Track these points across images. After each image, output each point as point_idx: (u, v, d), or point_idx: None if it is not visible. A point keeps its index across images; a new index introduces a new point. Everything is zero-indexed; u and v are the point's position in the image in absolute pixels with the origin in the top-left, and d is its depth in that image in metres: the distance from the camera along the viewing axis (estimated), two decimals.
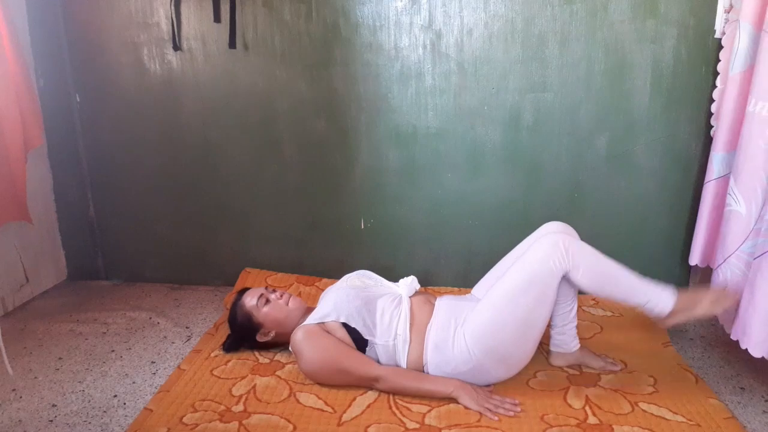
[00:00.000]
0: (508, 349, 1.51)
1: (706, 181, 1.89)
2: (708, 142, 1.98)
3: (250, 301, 1.70)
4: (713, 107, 1.92)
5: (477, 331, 1.49)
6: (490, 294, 1.53)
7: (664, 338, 1.85)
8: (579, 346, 1.67)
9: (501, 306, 1.49)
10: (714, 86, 1.92)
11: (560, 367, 1.67)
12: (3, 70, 1.92)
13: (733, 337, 1.55)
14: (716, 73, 1.91)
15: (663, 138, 2.03)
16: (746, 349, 1.50)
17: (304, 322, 1.63)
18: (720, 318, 1.72)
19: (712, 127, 1.93)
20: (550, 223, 1.69)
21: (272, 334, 1.70)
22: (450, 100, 2.08)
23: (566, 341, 1.65)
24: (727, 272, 1.68)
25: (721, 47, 1.88)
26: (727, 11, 1.85)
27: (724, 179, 1.81)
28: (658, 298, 1.49)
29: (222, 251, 2.35)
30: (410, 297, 1.66)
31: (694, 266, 2.13)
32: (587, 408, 1.48)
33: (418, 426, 1.41)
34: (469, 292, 1.81)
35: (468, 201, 2.17)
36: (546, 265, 1.45)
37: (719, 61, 1.88)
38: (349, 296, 1.64)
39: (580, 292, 1.61)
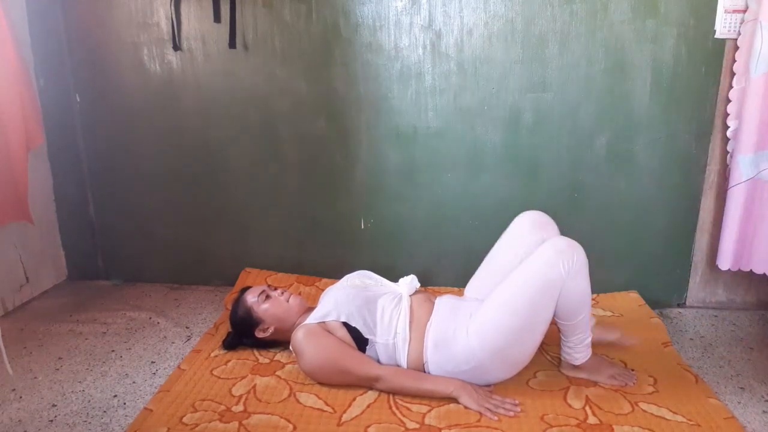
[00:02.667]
0: (512, 350, 1.51)
1: (732, 184, 1.88)
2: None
3: (251, 297, 1.72)
4: (729, 108, 1.92)
5: (484, 331, 1.49)
6: (498, 294, 1.51)
7: (664, 338, 1.85)
8: (591, 354, 1.65)
9: (509, 308, 1.48)
10: (730, 86, 1.91)
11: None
12: (4, 70, 1.92)
13: None
14: (732, 74, 1.90)
15: (663, 138, 2.02)
16: (746, 350, 1.50)
17: (305, 322, 1.63)
18: None
19: (729, 127, 1.93)
20: (528, 212, 1.70)
21: (271, 330, 1.71)
22: (450, 100, 2.08)
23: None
24: None
25: (736, 48, 1.88)
26: (743, 11, 1.85)
27: (755, 181, 1.81)
28: (584, 349, 1.57)
29: (222, 251, 2.35)
30: (410, 295, 1.66)
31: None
32: (587, 408, 1.48)
33: (418, 426, 1.41)
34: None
35: (468, 201, 2.17)
36: (555, 270, 1.44)
37: (735, 61, 1.88)
38: (350, 296, 1.64)
39: None
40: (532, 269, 1.48)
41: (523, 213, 1.71)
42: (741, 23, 1.86)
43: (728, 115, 1.93)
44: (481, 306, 1.54)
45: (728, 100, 1.92)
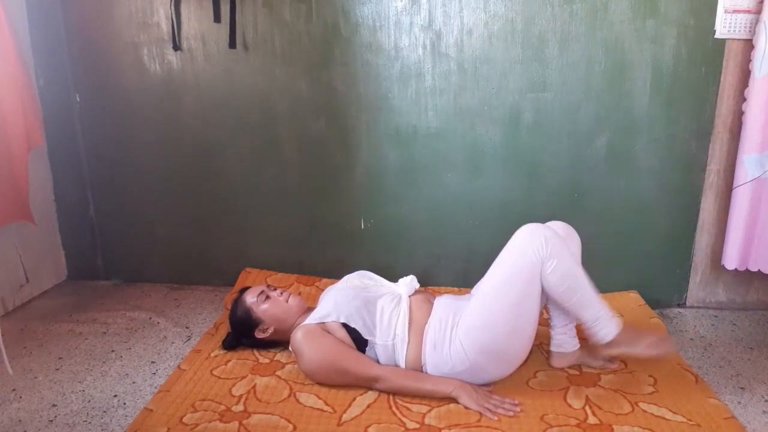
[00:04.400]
0: (501, 345, 1.51)
1: (738, 183, 1.88)
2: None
3: (250, 297, 1.72)
4: (744, 106, 1.92)
5: (470, 330, 1.50)
6: (479, 291, 1.54)
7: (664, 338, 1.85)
8: (578, 345, 1.67)
9: (489, 302, 1.49)
10: (745, 85, 1.91)
11: (561, 368, 1.67)
12: (5, 71, 1.92)
13: None
14: (747, 72, 1.91)
15: (663, 138, 2.02)
16: (746, 350, 1.50)
17: (305, 322, 1.63)
18: None
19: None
20: (553, 222, 1.68)
21: (270, 330, 1.71)
22: (450, 100, 2.08)
23: (566, 341, 1.65)
24: None
25: (750, 47, 1.88)
26: (744, 12, 1.85)
27: (760, 180, 1.82)
28: (607, 323, 1.51)
29: (222, 251, 2.35)
30: (410, 296, 1.66)
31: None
32: (587, 408, 1.48)
33: (418, 426, 1.41)
34: (469, 292, 1.81)
35: (468, 201, 2.17)
36: (526, 257, 1.45)
37: (750, 60, 1.87)
38: (349, 297, 1.64)
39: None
40: (504, 262, 1.50)
41: (550, 222, 1.65)
42: (756, 23, 1.85)
43: (743, 113, 1.92)
44: (467, 305, 1.55)
45: (743, 99, 1.92)
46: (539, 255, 1.44)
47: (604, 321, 1.51)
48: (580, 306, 1.50)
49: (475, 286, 1.76)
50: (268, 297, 1.71)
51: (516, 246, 1.49)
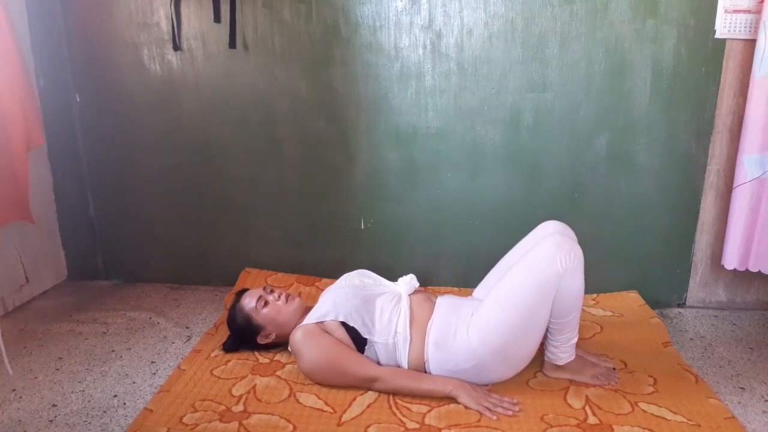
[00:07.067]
0: (512, 348, 1.51)
1: (738, 183, 1.88)
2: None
3: (248, 303, 1.70)
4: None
5: (484, 330, 1.49)
6: (496, 293, 1.52)
7: (664, 338, 1.85)
8: (575, 355, 1.65)
9: (509, 305, 1.48)
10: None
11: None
12: (6, 71, 1.92)
13: None
14: (742, 74, 1.91)
15: (663, 138, 2.03)
16: (746, 350, 1.50)
17: (303, 322, 1.63)
18: None
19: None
20: (548, 222, 1.68)
21: (273, 336, 1.70)
22: (450, 100, 2.08)
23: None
24: None
25: (749, 48, 1.88)
26: (744, 12, 1.85)
27: (761, 181, 1.83)
28: (571, 348, 1.58)
29: (222, 251, 2.35)
30: (410, 295, 1.65)
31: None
32: (587, 408, 1.48)
33: (418, 426, 1.41)
34: (470, 293, 1.81)
35: (468, 201, 2.17)
36: (554, 267, 1.44)
37: (751, 60, 1.87)
38: (348, 295, 1.64)
39: None
40: (530, 266, 1.48)
41: (546, 222, 1.69)
42: (757, 23, 1.84)
43: (744, 113, 1.92)
44: (481, 304, 1.54)
45: (744, 99, 1.92)
46: (565, 265, 1.43)
47: (569, 346, 1.57)
48: (563, 326, 1.53)
49: (480, 288, 1.76)
50: (267, 302, 1.69)
51: (544, 254, 1.47)
